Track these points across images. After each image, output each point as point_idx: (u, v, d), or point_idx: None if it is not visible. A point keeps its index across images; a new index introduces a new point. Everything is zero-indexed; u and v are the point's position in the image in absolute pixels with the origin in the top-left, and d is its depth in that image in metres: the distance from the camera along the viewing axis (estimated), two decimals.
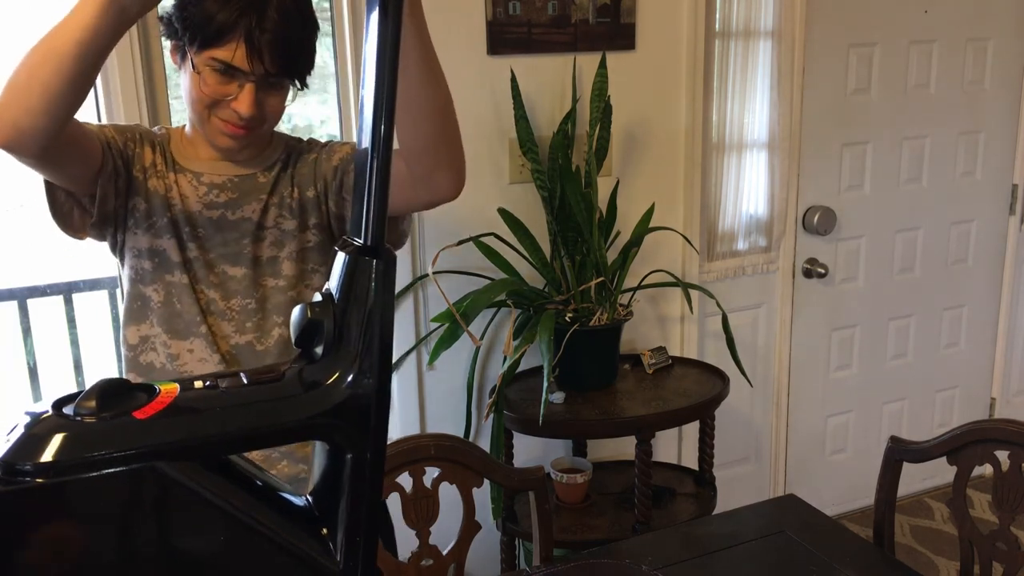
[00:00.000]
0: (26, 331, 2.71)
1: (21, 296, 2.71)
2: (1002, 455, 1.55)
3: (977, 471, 1.60)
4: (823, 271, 2.78)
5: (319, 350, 0.67)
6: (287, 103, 1.31)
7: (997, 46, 2.91)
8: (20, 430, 0.57)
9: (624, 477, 2.36)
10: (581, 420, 2.12)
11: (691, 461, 2.59)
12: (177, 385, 0.63)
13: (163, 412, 0.59)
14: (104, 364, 2.65)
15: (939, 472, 1.64)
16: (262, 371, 0.68)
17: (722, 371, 2.32)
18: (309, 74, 1.31)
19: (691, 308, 2.40)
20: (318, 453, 0.71)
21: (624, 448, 2.42)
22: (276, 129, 1.41)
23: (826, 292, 2.85)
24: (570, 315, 2.17)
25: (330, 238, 1.39)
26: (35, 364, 2.77)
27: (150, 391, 0.61)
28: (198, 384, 0.64)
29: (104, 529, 0.58)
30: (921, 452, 1.65)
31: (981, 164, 3.00)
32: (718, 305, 2.26)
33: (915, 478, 3.01)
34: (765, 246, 2.70)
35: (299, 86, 1.30)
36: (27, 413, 0.59)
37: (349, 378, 0.64)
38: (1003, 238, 3.11)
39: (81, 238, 1.34)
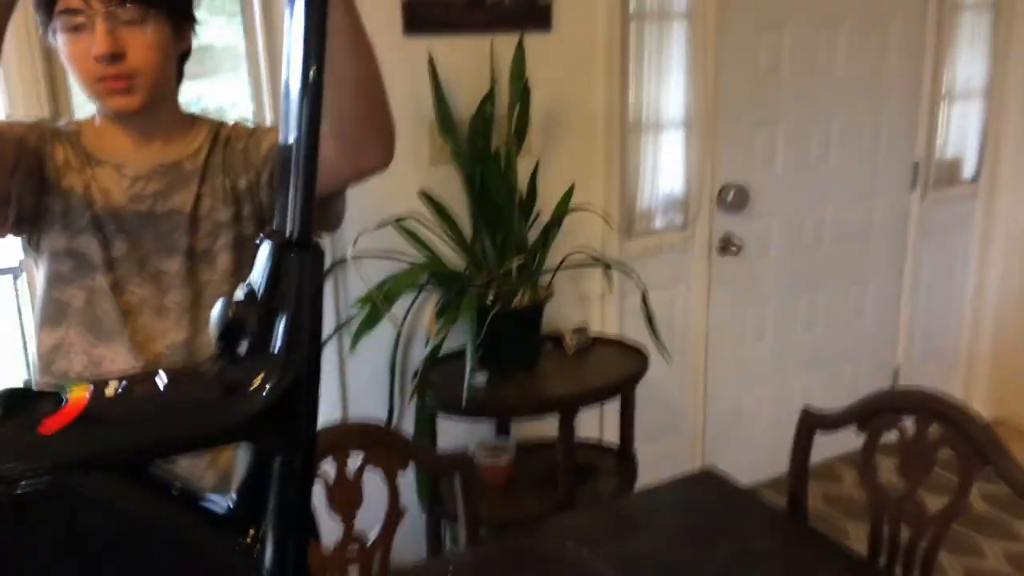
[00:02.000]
0: None
1: None
2: (908, 422, 1.62)
3: (885, 437, 1.67)
4: (738, 247, 2.85)
5: (243, 348, 0.65)
6: (172, 44, 1.24)
7: (900, 26, 3.01)
8: None
9: (548, 456, 2.38)
10: (504, 400, 2.13)
11: (613, 438, 2.63)
12: (87, 391, 0.60)
13: (72, 425, 0.56)
14: (5, 357, 2.53)
15: (849, 438, 1.71)
16: (181, 372, 0.65)
17: (642, 348, 2.36)
18: (176, 6, 1.24)
19: (611, 287, 2.43)
20: (242, 454, 0.69)
21: (548, 428, 2.45)
22: (194, 112, 1.36)
23: (741, 268, 2.92)
24: (492, 296, 2.17)
25: (265, 226, 1.35)
26: None
27: (57, 400, 0.58)
28: (111, 388, 0.62)
29: (11, 549, 0.55)
30: (832, 421, 1.71)
31: (885, 142, 3.12)
32: (637, 283, 2.29)
33: (826, 445, 3.10)
34: (682, 224, 2.75)
35: (165, 16, 1.22)
36: None
37: (275, 381, 0.62)
38: (905, 213, 3.24)
39: (2, 237, 1.26)
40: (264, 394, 0.62)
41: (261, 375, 0.62)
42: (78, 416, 0.57)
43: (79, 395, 0.59)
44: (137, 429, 0.59)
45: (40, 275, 1.31)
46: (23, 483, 0.54)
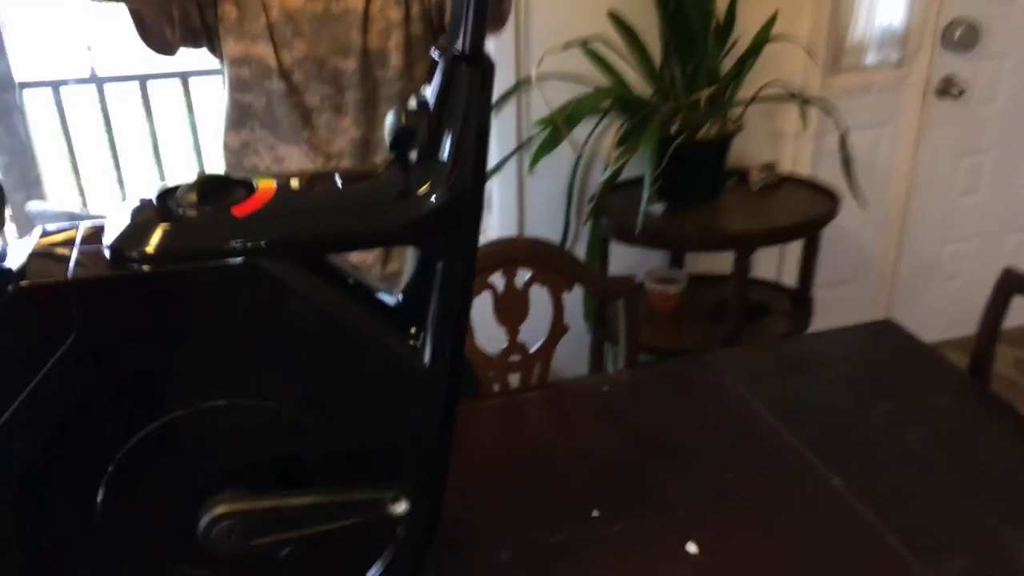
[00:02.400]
0: (148, 113, 2.83)
1: (142, 80, 2.81)
2: None
3: None
4: (960, 90, 2.57)
5: (414, 156, 0.67)
6: None
7: None
8: (125, 215, 0.60)
9: (719, 292, 2.36)
10: (680, 232, 2.10)
11: (791, 280, 2.56)
12: (274, 183, 0.65)
13: (260, 211, 0.62)
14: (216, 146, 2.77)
15: None
16: (356, 175, 0.69)
17: (833, 191, 2.23)
18: None
19: (807, 125, 2.28)
20: (411, 255, 0.73)
21: (723, 264, 2.41)
22: None
23: (960, 113, 2.65)
24: (677, 126, 2.10)
25: (432, 27, 1.36)
26: (156, 143, 2.92)
27: (248, 188, 0.63)
28: (294, 183, 0.66)
29: (202, 321, 0.62)
30: None
31: None
32: (838, 122, 2.14)
33: None
34: (898, 61, 2.50)
35: None
36: (139, 199, 0.63)
37: (441, 189, 0.65)
38: None
39: (172, 54, 1.32)
40: (430, 201, 0.65)
41: (428, 183, 0.65)
42: (266, 204, 0.63)
43: (267, 186, 0.64)
44: (318, 220, 0.64)
45: (225, 80, 1.38)
46: (217, 260, 0.60)
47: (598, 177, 2.31)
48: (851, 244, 2.74)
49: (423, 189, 0.65)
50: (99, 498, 0.63)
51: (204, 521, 0.64)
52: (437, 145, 0.66)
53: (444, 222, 0.66)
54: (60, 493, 0.62)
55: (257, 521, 0.66)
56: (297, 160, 1.35)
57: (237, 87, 1.36)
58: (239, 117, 1.38)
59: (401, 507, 0.70)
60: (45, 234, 0.62)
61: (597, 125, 2.24)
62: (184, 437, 0.64)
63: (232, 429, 0.66)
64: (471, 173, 0.66)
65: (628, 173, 2.14)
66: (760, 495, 1.10)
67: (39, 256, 0.59)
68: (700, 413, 1.30)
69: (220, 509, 0.65)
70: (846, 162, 2.14)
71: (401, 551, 0.73)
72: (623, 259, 2.37)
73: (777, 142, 2.48)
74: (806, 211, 2.16)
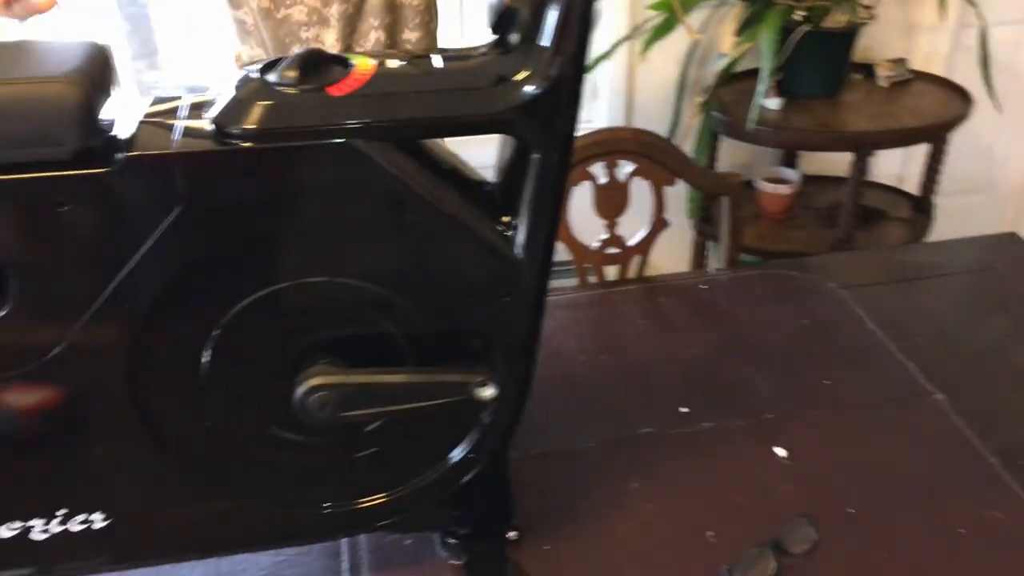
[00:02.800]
0: None
1: None
2: None
3: None
4: None
5: (515, 39, 0.65)
6: None
7: None
8: (230, 90, 0.61)
9: (834, 194, 2.26)
10: (795, 129, 2.00)
11: (912, 186, 2.43)
12: (371, 63, 0.64)
13: (359, 91, 0.61)
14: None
15: None
16: (456, 56, 0.67)
17: (966, 91, 2.07)
18: None
19: (945, 16, 2.10)
20: (507, 144, 0.72)
21: (840, 164, 2.30)
22: None
23: None
24: (802, 13, 1.97)
25: None
26: None
27: (345, 66, 0.63)
28: (392, 64, 0.65)
29: (302, 198, 0.63)
30: None
31: None
32: (979, 15, 1.96)
33: None
34: None
35: None
36: (243, 74, 0.63)
37: (539, 77, 0.63)
38: None
39: None
40: (527, 89, 0.63)
41: (527, 70, 0.63)
42: (366, 83, 0.62)
43: (364, 66, 0.64)
44: (411, 105, 0.63)
45: None
46: (315, 140, 0.60)
47: (713, 68, 2.21)
48: (981, 150, 2.56)
49: (520, 76, 0.63)
50: (204, 359, 0.66)
51: (300, 390, 0.67)
52: (538, 27, 0.63)
53: (540, 112, 0.64)
54: (169, 353, 0.66)
55: (349, 394, 0.69)
56: None
57: (230, 3, 1.31)
58: (241, 34, 1.34)
59: (488, 392, 0.71)
60: (156, 102, 0.64)
61: (717, 10, 2.13)
62: (285, 309, 0.66)
63: (330, 305, 0.67)
64: (572, 60, 0.63)
65: (745, 64, 2.04)
66: (856, 404, 1.08)
67: (148, 125, 0.61)
68: (800, 318, 1.27)
69: (315, 380, 0.67)
70: (984, 60, 1.98)
71: (485, 435, 0.75)
72: (733, 156, 2.29)
73: (911, 35, 2.31)
74: (935, 113, 2.03)
